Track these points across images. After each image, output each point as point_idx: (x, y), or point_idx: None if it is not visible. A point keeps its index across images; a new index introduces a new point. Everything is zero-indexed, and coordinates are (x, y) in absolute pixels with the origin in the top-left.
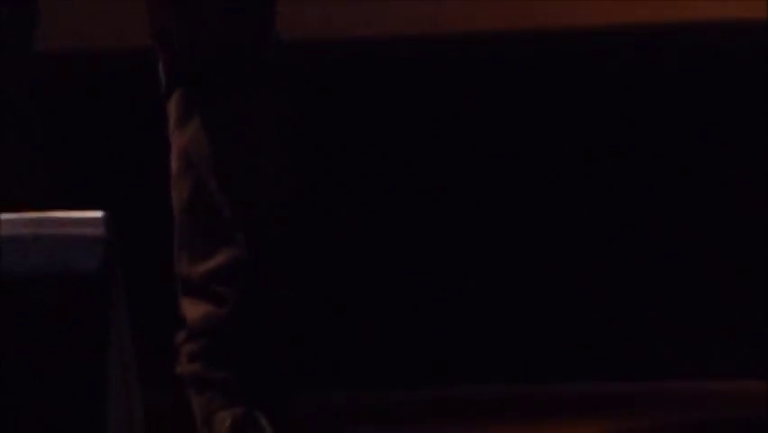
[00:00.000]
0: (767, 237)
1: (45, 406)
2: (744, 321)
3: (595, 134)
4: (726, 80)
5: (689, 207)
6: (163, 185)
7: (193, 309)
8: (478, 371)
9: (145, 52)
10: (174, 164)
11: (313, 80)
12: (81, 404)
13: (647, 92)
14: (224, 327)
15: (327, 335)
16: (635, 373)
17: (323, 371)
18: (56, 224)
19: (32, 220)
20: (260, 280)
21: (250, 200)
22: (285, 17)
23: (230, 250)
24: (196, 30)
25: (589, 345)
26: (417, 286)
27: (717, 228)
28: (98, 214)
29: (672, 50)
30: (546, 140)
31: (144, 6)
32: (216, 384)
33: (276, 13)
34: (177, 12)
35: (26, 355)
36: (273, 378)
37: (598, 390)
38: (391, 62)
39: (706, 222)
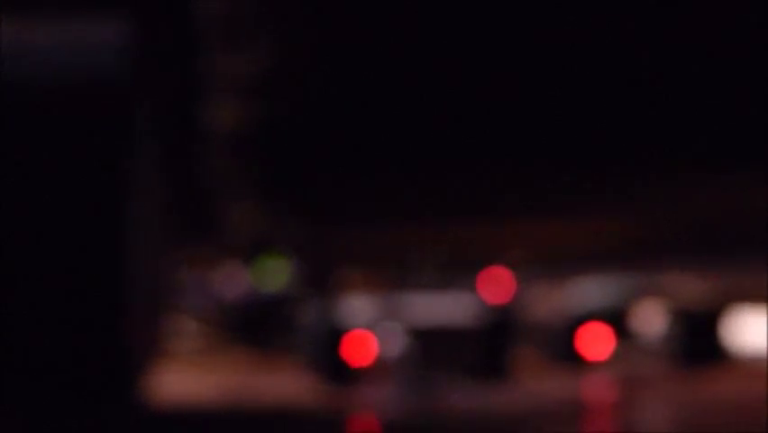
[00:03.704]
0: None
1: (65, 208)
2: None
3: None
4: None
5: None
6: None
7: None
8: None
9: None
10: None
11: None
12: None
13: None
14: None
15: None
16: (646, 167)
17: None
18: (80, 29)
19: (55, 24)
20: None
21: None
22: None
23: None
24: None
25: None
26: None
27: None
28: (122, 18)
29: None
30: None
31: None
32: None
33: None
34: None
35: (55, 155)
36: None
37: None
38: None
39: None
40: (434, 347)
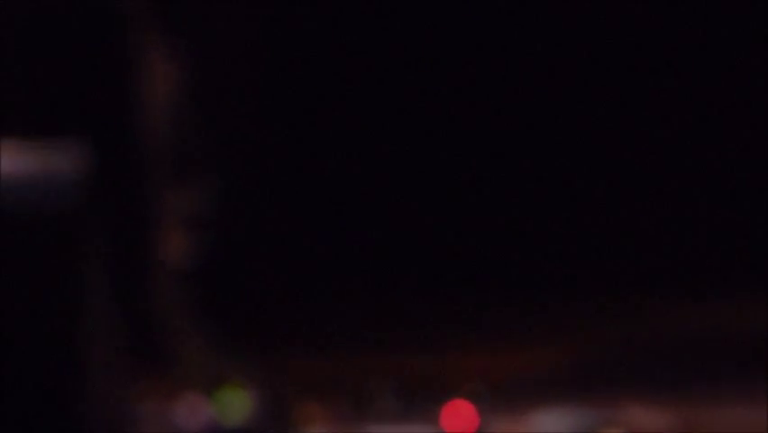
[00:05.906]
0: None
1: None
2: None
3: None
4: None
5: None
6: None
7: None
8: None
9: None
10: None
11: None
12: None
13: None
14: None
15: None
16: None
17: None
18: (34, 159)
19: (8, 151)
20: None
21: None
22: None
23: None
24: None
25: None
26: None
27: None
28: (74, 146)
29: None
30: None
31: None
32: None
33: None
34: None
35: (6, 284)
36: None
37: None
38: None
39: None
40: None
